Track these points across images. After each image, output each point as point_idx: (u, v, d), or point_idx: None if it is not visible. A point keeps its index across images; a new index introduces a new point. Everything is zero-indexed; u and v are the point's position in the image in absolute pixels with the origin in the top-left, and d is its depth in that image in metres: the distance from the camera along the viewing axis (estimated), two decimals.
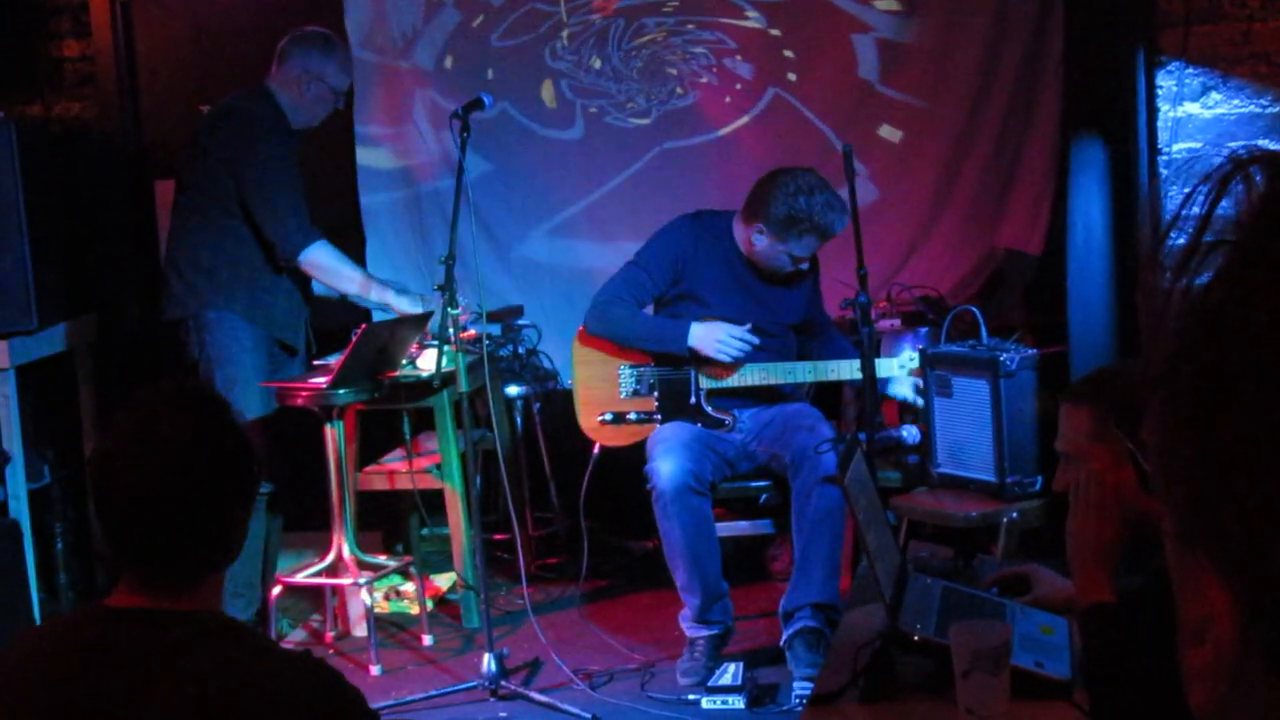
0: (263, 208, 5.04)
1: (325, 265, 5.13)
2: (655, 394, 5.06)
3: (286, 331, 5.24)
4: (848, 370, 4.91)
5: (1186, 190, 0.79)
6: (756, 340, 4.91)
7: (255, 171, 5.04)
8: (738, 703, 4.49)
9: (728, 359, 4.91)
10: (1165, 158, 5.25)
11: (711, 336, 4.88)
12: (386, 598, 5.60)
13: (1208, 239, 0.78)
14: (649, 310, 5.10)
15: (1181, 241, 0.79)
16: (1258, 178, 0.77)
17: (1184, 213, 0.80)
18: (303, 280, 5.27)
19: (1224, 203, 0.78)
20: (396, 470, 5.46)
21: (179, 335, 5.17)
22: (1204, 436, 0.75)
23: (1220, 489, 0.75)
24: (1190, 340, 0.77)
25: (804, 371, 5.02)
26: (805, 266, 4.99)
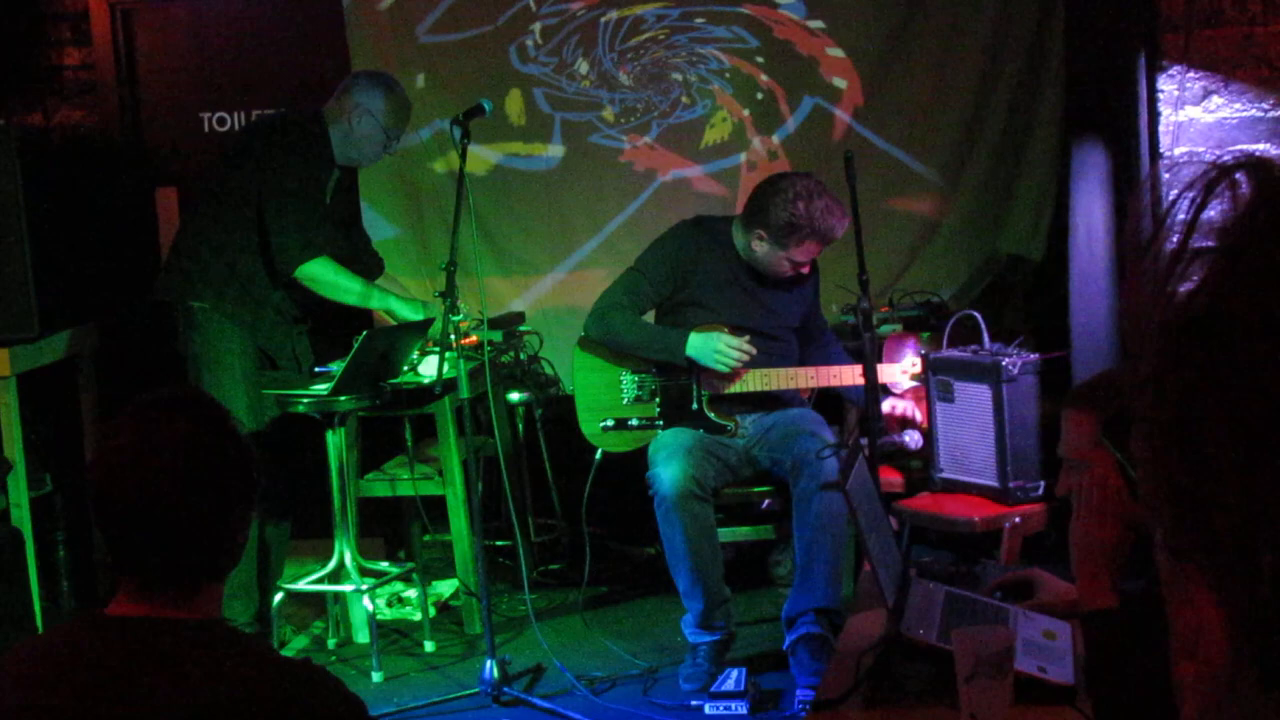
0: (273, 216, 5.05)
1: (322, 279, 5.12)
2: (657, 400, 5.05)
3: (269, 344, 5.23)
4: (850, 376, 4.90)
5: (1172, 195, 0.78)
6: (754, 351, 4.90)
7: (278, 184, 5.05)
8: (741, 708, 4.48)
9: (725, 369, 4.90)
10: (1167, 162, 5.25)
11: (709, 346, 4.87)
12: (389, 604, 5.60)
13: (1192, 245, 0.77)
14: (650, 316, 5.09)
15: (1167, 248, 0.78)
16: (1243, 184, 0.76)
17: (1169, 219, 0.79)
18: (299, 302, 5.25)
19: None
20: (398, 477, 5.46)
21: (165, 321, 5.18)
22: (1191, 444, 0.74)
23: (1208, 498, 0.73)
24: (1175, 347, 0.75)
25: (806, 378, 5.01)
26: (805, 271, 4.99)
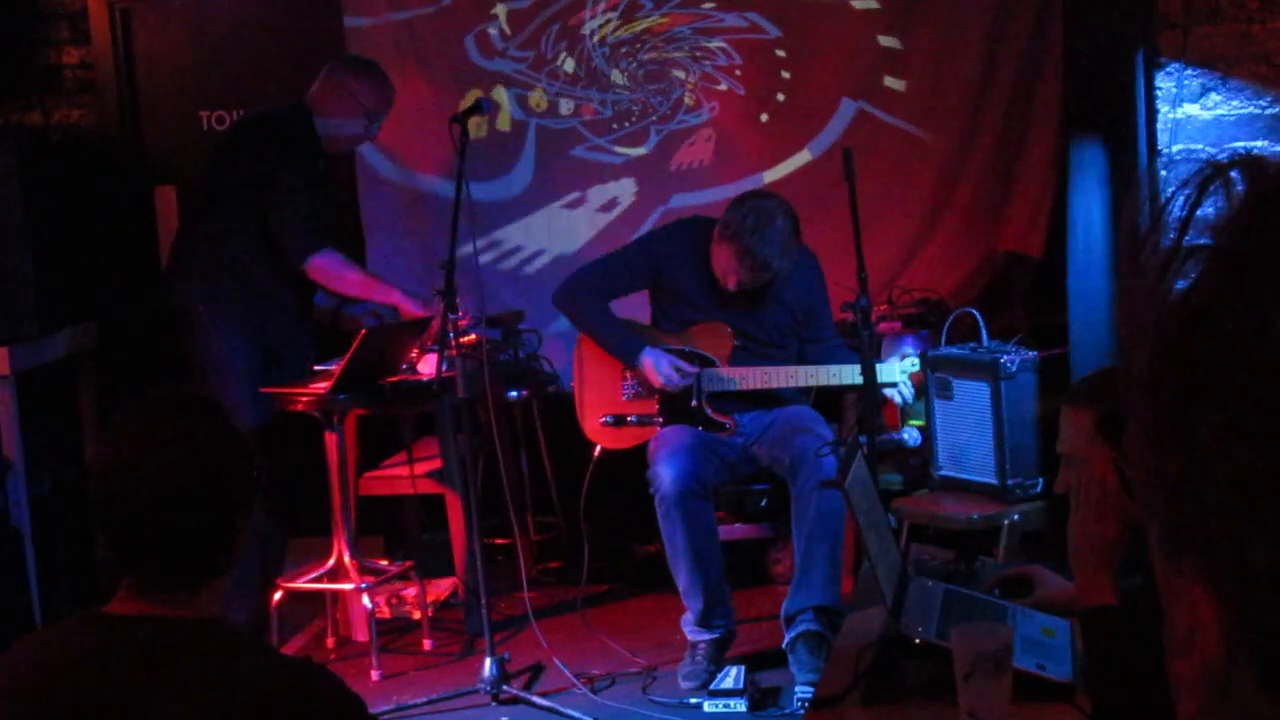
0: (277, 215, 5.06)
1: (331, 270, 5.14)
2: (657, 397, 5.05)
3: (276, 342, 5.23)
4: (849, 375, 4.89)
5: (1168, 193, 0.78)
6: (692, 378, 4.90)
7: (275, 181, 5.05)
8: (739, 706, 4.49)
9: (672, 385, 4.91)
10: (1165, 159, 5.25)
11: (659, 370, 4.89)
12: (388, 602, 5.60)
13: (1187, 243, 0.77)
14: (642, 300, 5.09)
15: (1162, 245, 0.78)
16: (1237, 182, 0.76)
17: (1164, 217, 0.79)
18: (303, 298, 5.26)
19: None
20: (397, 475, 5.46)
21: (170, 326, 5.18)
22: (1186, 444, 0.74)
23: (1204, 498, 0.74)
24: (1170, 346, 0.75)
25: (805, 375, 5.00)
26: (730, 286, 4.87)
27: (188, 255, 5.16)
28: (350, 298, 5.30)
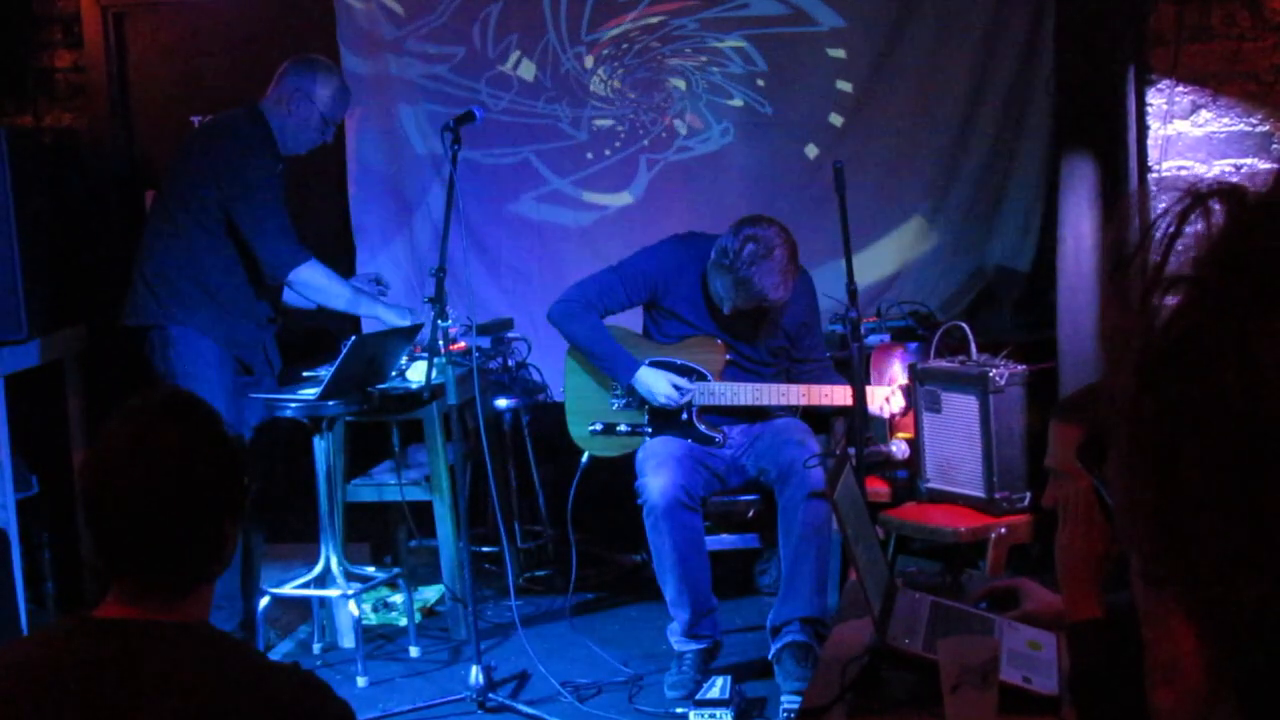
0: (254, 228, 5.03)
1: (314, 283, 5.12)
2: (646, 407, 5.05)
3: (244, 350, 5.21)
4: (840, 395, 4.88)
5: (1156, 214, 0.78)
6: (692, 396, 4.90)
7: (246, 191, 5.02)
8: (725, 716, 4.48)
9: (673, 404, 4.91)
10: (1155, 175, 5.27)
11: (657, 388, 4.88)
12: (374, 609, 5.59)
13: (1168, 272, 0.77)
14: (632, 313, 5.09)
15: (1144, 272, 0.78)
16: (1216, 212, 0.76)
17: (1147, 245, 0.79)
18: (267, 304, 5.24)
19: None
20: (385, 482, 5.46)
21: (141, 344, 5.15)
22: (1168, 474, 0.74)
23: (1186, 528, 0.73)
24: (1152, 376, 0.75)
25: (796, 395, 4.99)
26: (726, 309, 4.90)
27: (155, 274, 5.08)
28: (331, 310, 5.29)
